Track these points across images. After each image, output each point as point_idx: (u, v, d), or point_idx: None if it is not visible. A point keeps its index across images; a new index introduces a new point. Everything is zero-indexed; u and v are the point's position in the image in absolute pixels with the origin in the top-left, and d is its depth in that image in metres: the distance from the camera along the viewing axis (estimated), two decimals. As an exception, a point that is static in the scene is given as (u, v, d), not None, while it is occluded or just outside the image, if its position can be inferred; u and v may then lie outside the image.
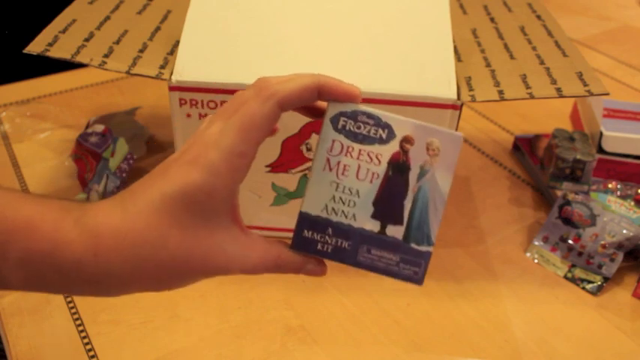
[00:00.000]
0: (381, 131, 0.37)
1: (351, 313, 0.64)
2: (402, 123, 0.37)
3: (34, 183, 0.79)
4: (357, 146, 0.37)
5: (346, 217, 0.37)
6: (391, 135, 0.37)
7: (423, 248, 0.38)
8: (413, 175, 0.37)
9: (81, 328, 0.61)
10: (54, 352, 0.58)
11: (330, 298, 0.65)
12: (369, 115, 0.37)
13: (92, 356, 0.58)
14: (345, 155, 0.37)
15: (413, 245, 0.38)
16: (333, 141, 0.37)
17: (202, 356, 0.59)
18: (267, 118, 0.35)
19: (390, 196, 0.37)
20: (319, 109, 0.39)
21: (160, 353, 0.59)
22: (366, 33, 0.64)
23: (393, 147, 0.37)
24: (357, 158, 0.37)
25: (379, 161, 0.37)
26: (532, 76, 0.62)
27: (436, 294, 0.66)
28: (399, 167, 0.37)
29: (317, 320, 0.63)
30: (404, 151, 0.37)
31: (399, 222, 0.37)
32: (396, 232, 0.38)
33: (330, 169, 0.37)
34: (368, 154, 0.37)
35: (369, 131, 0.37)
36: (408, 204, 0.37)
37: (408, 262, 0.38)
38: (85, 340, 0.60)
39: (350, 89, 0.37)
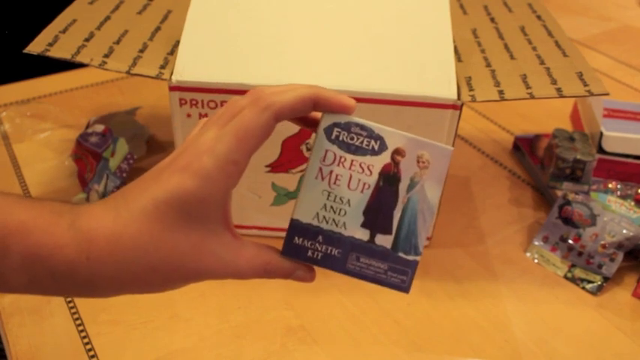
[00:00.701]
0: (373, 143, 0.38)
1: (351, 313, 0.64)
2: (393, 135, 0.38)
3: (34, 183, 0.79)
4: (349, 157, 0.38)
5: (337, 225, 0.38)
6: (383, 147, 0.38)
7: (411, 257, 0.39)
8: (403, 187, 0.38)
9: (81, 328, 0.61)
10: (54, 352, 0.59)
11: (330, 298, 0.65)
12: (362, 127, 0.38)
13: (92, 356, 0.58)
14: (338, 165, 0.38)
15: (401, 254, 0.39)
16: (327, 151, 0.38)
17: (202, 356, 0.59)
18: (263, 128, 0.36)
19: (380, 206, 0.38)
20: (313, 119, 0.40)
21: (160, 353, 0.59)
22: (366, 33, 0.64)
23: (385, 158, 0.38)
24: (349, 168, 0.38)
25: (370, 172, 0.38)
26: (532, 76, 0.62)
27: (436, 294, 0.66)
28: (389, 178, 0.38)
29: (317, 320, 0.63)
30: (395, 162, 0.38)
31: (388, 231, 0.38)
32: (384, 241, 0.38)
33: (323, 178, 0.38)
34: (360, 165, 0.38)
35: (361, 142, 0.38)
36: (397, 214, 0.38)
37: (395, 271, 0.39)
38: (85, 340, 0.60)
39: (345, 101, 0.37)
